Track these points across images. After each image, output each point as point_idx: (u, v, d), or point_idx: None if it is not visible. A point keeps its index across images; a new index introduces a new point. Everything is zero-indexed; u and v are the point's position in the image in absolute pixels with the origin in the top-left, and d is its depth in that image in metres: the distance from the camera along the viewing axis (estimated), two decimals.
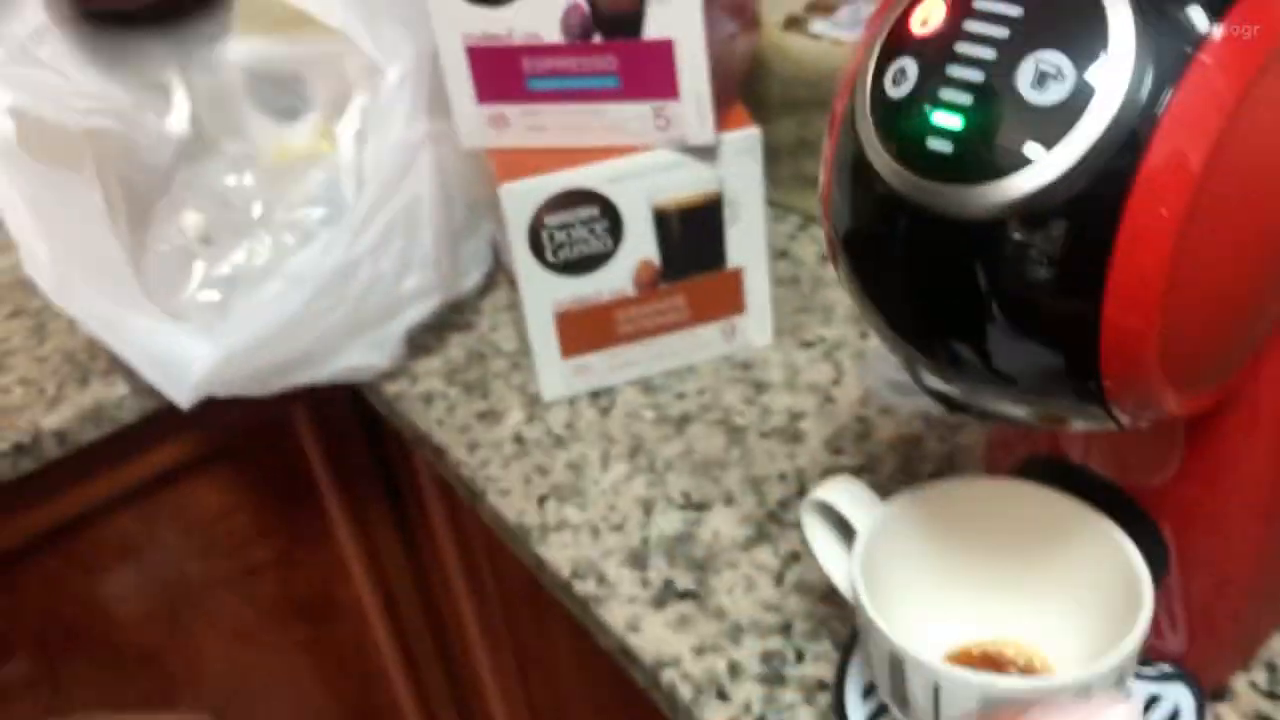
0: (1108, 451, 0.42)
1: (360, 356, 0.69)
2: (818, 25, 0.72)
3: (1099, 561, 0.41)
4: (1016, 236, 0.29)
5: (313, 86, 0.83)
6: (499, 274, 0.79)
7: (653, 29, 0.57)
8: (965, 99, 0.29)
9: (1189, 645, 0.45)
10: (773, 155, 0.67)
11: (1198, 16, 0.28)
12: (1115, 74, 0.28)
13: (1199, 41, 0.28)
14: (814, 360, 0.67)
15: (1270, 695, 0.46)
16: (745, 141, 0.62)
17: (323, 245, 0.66)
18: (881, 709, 0.45)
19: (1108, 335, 0.30)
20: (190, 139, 0.80)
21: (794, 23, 0.73)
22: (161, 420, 0.77)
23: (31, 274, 0.69)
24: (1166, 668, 0.45)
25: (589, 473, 0.62)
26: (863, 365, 0.66)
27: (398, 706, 1.05)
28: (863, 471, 0.59)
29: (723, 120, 0.61)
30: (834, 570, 0.45)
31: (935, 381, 0.34)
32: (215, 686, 0.92)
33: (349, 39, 0.69)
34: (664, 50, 0.57)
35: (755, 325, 0.68)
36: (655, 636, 0.53)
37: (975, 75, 0.28)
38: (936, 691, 0.38)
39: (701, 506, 0.59)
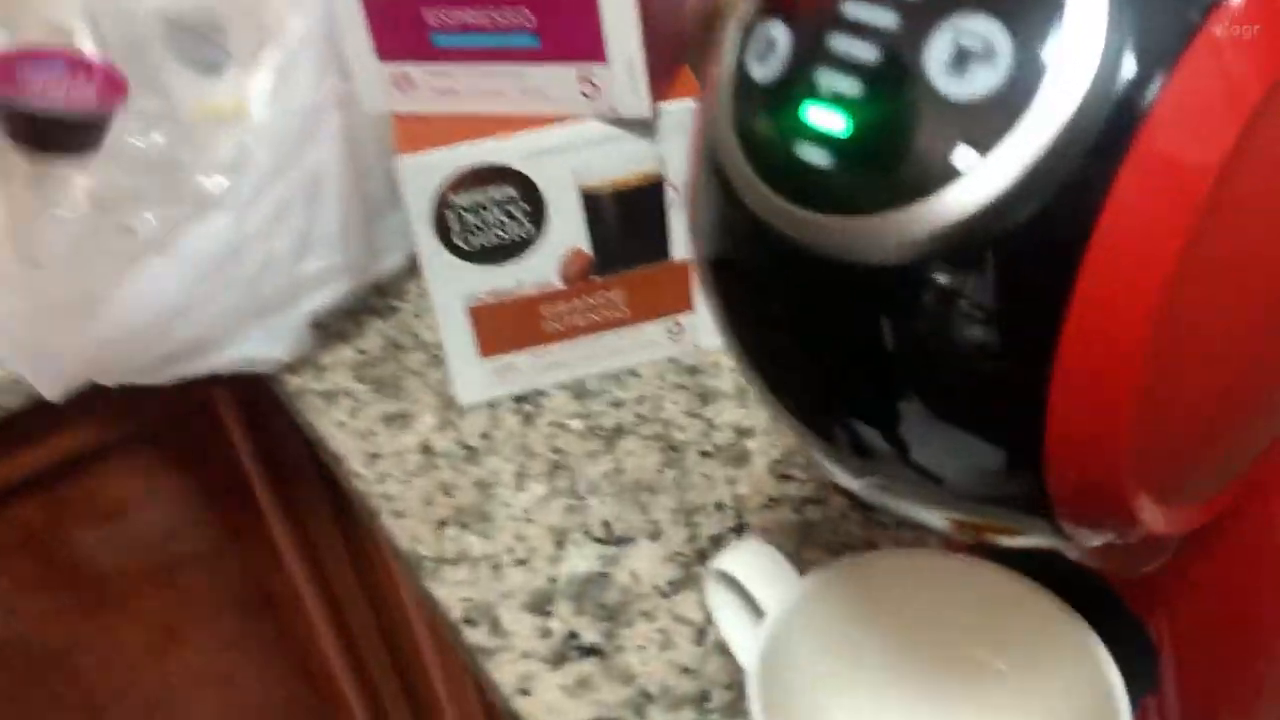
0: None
1: (256, 347, 0.61)
2: None
3: (1067, 672, 0.32)
4: (932, 285, 0.21)
5: (234, 38, 0.74)
6: None
7: None
8: (853, 86, 0.19)
9: None
10: None
11: None
12: (1076, 50, 0.19)
13: (1209, 6, 0.19)
14: None
15: None
16: (685, 112, 0.52)
17: (208, 221, 0.57)
18: None
19: (1057, 418, 0.21)
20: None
21: None
22: (65, 405, 0.69)
23: None
24: None
25: (499, 494, 0.54)
26: None
27: (343, 700, 0.98)
28: (809, 504, 0.51)
29: (666, 88, 0.52)
30: (741, 652, 0.37)
31: (838, 472, 0.25)
32: (140, 690, 0.85)
33: None
34: (587, 4, 0.48)
35: (705, 325, 0.59)
36: (547, 702, 0.45)
37: (867, 51, 0.19)
38: None
39: (622, 541, 0.51)
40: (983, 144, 0.19)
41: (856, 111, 0.20)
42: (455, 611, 0.49)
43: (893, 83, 0.19)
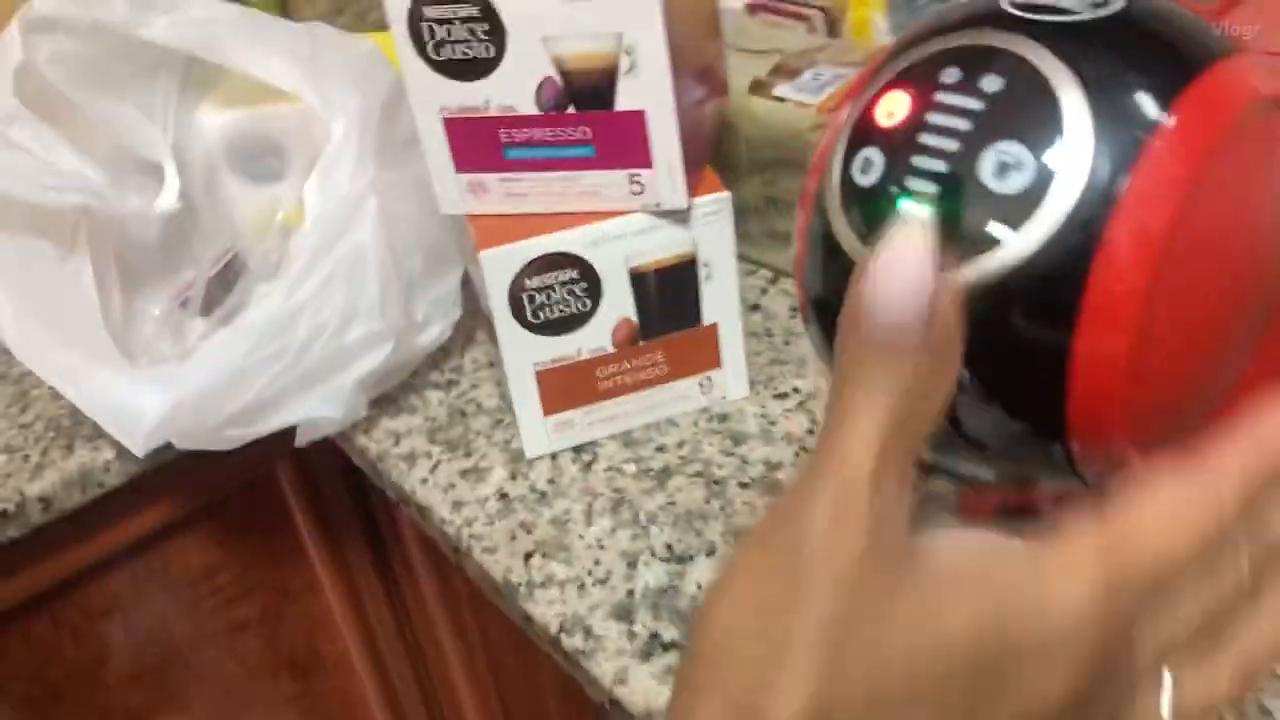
0: (1081, 500, 0.44)
1: (314, 408, 0.69)
2: (781, 88, 0.74)
3: None
4: (985, 313, 0.31)
5: (290, 152, 0.85)
6: (478, 330, 0.80)
7: (624, 101, 0.59)
8: (930, 187, 0.31)
9: None
10: (742, 213, 0.69)
11: (1148, 105, 0.30)
12: (1073, 161, 0.30)
13: (1150, 128, 0.31)
14: (789, 411, 0.69)
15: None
16: (716, 205, 0.64)
17: (265, 295, 0.67)
18: None
19: (1075, 404, 0.32)
20: (179, 211, 0.81)
21: (759, 86, 0.76)
22: (147, 483, 0.78)
23: None
24: None
25: (573, 528, 0.64)
26: None
27: None
28: None
29: (695, 185, 0.64)
30: None
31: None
32: None
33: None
34: (636, 120, 0.60)
35: (731, 379, 0.70)
36: (643, 688, 0.54)
37: (939, 165, 0.31)
38: None
39: (684, 559, 0.61)
40: (1015, 223, 0.31)
41: (934, 203, 0.31)
42: (552, 626, 0.58)
43: (956, 184, 0.31)
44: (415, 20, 0.58)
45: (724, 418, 0.70)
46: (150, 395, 0.68)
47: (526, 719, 0.93)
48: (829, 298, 0.34)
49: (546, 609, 0.59)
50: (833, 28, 0.88)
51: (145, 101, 0.81)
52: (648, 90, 0.58)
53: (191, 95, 0.83)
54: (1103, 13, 0.32)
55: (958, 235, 0.31)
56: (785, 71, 0.75)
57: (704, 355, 0.68)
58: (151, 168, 0.83)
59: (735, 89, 0.76)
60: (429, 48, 0.59)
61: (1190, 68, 0.31)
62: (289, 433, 0.72)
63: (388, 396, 0.75)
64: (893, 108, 0.32)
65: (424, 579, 0.94)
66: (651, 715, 0.53)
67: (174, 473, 0.80)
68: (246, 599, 0.89)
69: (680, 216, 0.63)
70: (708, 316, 0.67)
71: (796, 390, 0.71)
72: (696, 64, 0.65)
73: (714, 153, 0.69)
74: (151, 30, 0.75)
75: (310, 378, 0.68)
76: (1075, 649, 0.26)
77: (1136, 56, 0.31)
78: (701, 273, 0.65)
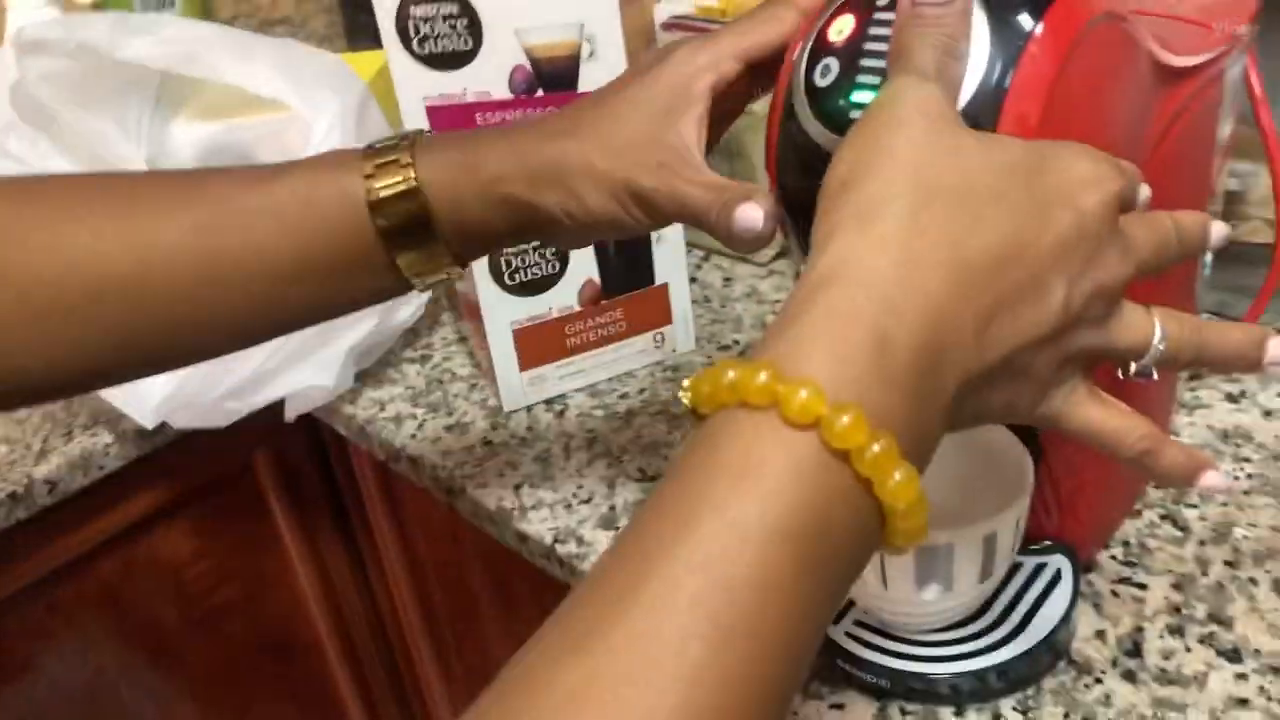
0: None
1: (308, 377, 0.77)
2: None
3: (993, 452, 0.53)
4: None
5: (262, 160, 0.92)
6: (442, 314, 0.88)
7: (586, 83, 0.69)
8: (875, 80, 0.41)
9: (1061, 529, 0.57)
10: None
11: (1025, 20, 0.41)
12: (977, 60, 0.41)
13: (1028, 35, 0.41)
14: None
15: (1127, 564, 0.59)
16: None
17: None
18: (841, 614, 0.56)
19: None
20: None
21: None
22: (141, 469, 0.84)
23: None
24: (1048, 543, 0.57)
25: (555, 462, 0.72)
26: None
27: None
28: None
29: None
30: None
31: None
32: None
33: (284, 107, 0.79)
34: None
35: (680, 334, 0.79)
36: None
37: (880, 63, 0.41)
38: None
39: (655, 477, 0.70)
40: None
41: (876, 91, 0.41)
42: (547, 538, 0.67)
43: None
44: (403, 18, 0.67)
45: (676, 368, 0.79)
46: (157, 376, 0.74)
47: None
48: (798, 181, 0.44)
49: (540, 526, 0.67)
50: None
51: (121, 116, 0.88)
52: (606, 73, 0.68)
53: (165, 110, 0.90)
54: None
55: None
56: None
57: (657, 313, 0.78)
58: None
59: None
60: (414, 43, 0.68)
61: None
62: (269, 423, 0.78)
63: (368, 373, 0.83)
64: (842, 27, 0.43)
65: (393, 565, 1.00)
66: None
67: (162, 461, 0.85)
68: (228, 584, 0.95)
69: None
70: (659, 276, 0.77)
71: (736, 342, 0.81)
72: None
73: None
74: (132, 50, 0.83)
75: (304, 349, 0.76)
76: (1097, 189, 0.37)
77: None
78: (653, 236, 0.75)
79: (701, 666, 0.29)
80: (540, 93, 0.69)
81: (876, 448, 0.32)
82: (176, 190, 0.49)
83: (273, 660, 0.99)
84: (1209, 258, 0.67)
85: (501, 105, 0.70)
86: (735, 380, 0.33)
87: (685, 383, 0.35)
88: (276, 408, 0.79)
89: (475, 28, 0.67)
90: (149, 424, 0.75)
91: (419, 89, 0.70)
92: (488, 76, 0.69)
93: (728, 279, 0.89)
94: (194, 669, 0.94)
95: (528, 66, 0.68)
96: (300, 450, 0.94)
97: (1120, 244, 0.38)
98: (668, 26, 1.03)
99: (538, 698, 0.29)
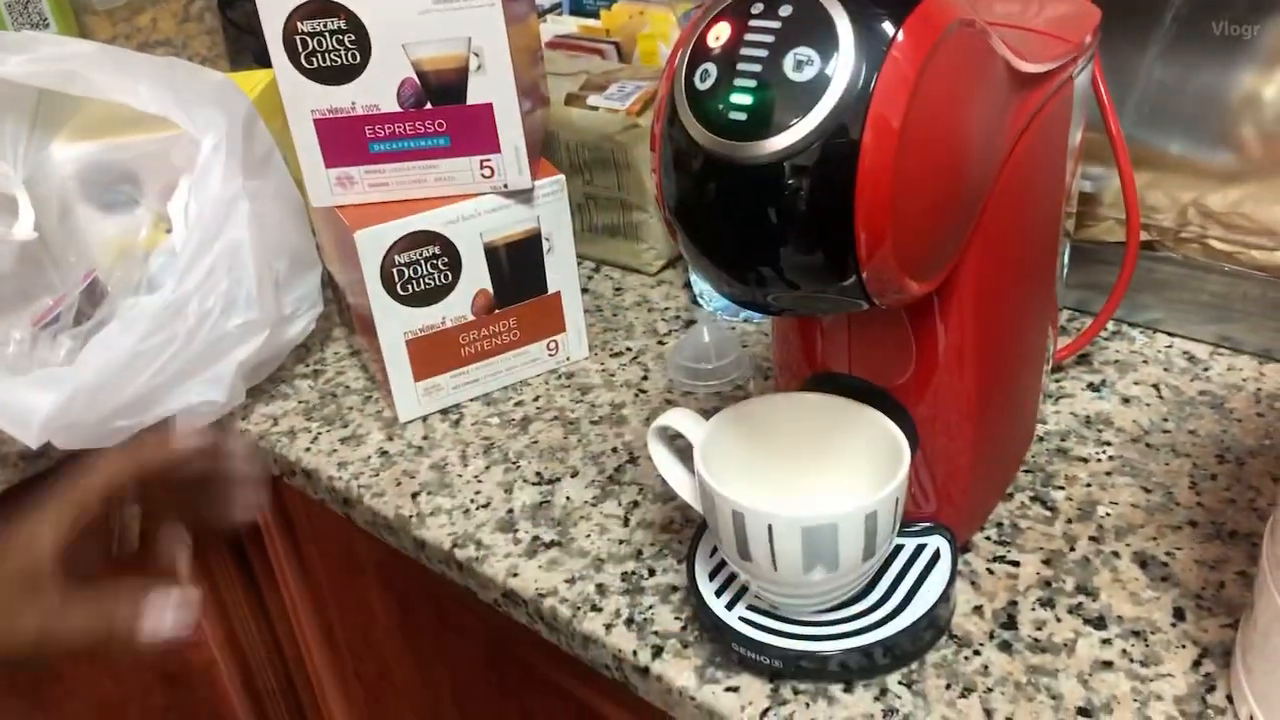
0: (865, 360, 0.58)
1: (199, 393, 0.76)
2: (593, 99, 0.88)
3: (872, 441, 0.56)
4: (790, 176, 0.44)
5: (145, 180, 0.91)
6: (334, 329, 0.89)
7: (474, 96, 0.71)
8: (751, 83, 0.43)
9: (939, 511, 0.61)
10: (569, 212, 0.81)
11: (887, 27, 0.44)
12: (844, 65, 0.43)
13: (890, 41, 0.44)
14: (624, 365, 0.81)
15: (1000, 543, 0.62)
16: (554, 185, 0.76)
17: (130, 309, 0.73)
18: (725, 585, 0.58)
19: (860, 243, 0.45)
20: (34, 240, 0.86)
21: (573, 99, 0.88)
22: (24, 493, 0.82)
23: None
24: (927, 524, 0.60)
25: (452, 470, 0.73)
26: (665, 363, 0.81)
27: None
28: (677, 438, 0.73)
29: (534, 173, 0.75)
30: (674, 479, 0.58)
31: (744, 293, 0.48)
32: None
33: (168, 125, 0.78)
34: (485, 111, 0.71)
35: (574, 341, 0.81)
36: (532, 577, 0.64)
37: (755, 68, 0.43)
38: (770, 532, 0.51)
39: (552, 480, 0.71)
40: (806, 108, 0.44)
41: (753, 94, 0.43)
42: (445, 543, 0.67)
43: (767, 81, 0.43)
44: (290, 34, 0.68)
45: (570, 375, 0.81)
46: (43, 391, 0.73)
47: (390, 706, 0.99)
48: (682, 180, 0.47)
49: (438, 532, 0.68)
50: (623, 57, 1.02)
51: None
52: (494, 85, 0.70)
53: (42, 131, 0.88)
54: None
55: (771, 115, 0.44)
56: (594, 86, 0.89)
57: (550, 321, 0.80)
58: (6, 200, 0.87)
59: (553, 103, 0.88)
60: (301, 58, 0.69)
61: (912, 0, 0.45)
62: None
63: (260, 388, 0.82)
64: (719, 34, 0.45)
65: (289, 585, 0.99)
66: (542, 596, 0.62)
67: (43, 485, 0.83)
68: None
69: (525, 196, 0.75)
70: (552, 285, 0.78)
71: (628, 349, 0.83)
72: (526, 81, 0.77)
73: (542, 151, 0.81)
74: (7, 68, 0.81)
75: (195, 364, 0.75)
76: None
77: None
78: (545, 246, 0.77)
79: None
80: (429, 105, 0.71)
81: None
82: None
83: (164, 690, 0.97)
84: (1066, 258, 0.71)
85: (390, 118, 0.71)
86: None
87: None
88: (162, 426, 0.78)
89: (363, 42, 0.68)
90: (33, 444, 0.73)
91: (307, 103, 0.70)
92: (376, 90, 0.70)
93: (619, 289, 0.91)
94: (80, 701, 0.92)
95: (416, 80, 0.70)
96: None
97: None
98: (553, 45, 1.05)
99: None
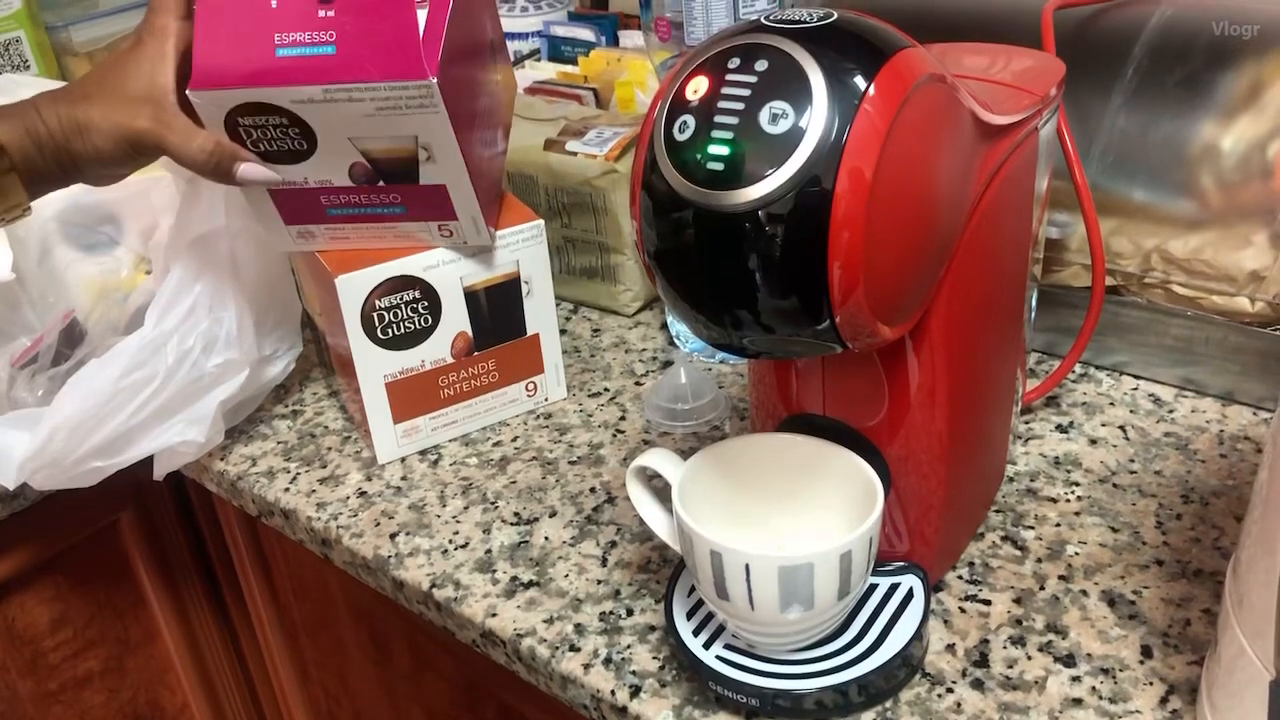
0: (839, 401, 0.59)
1: (178, 433, 0.76)
2: (572, 144, 0.89)
3: (847, 481, 0.57)
4: (765, 224, 0.45)
5: (125, 222, 0.92)
6: (314, 370, 0.89)
7: (426, 179, 0.69)
8: (728, 135, 0.45)
9: (912, 550, 0.62)
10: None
11: (860, 80, 0.46)
12: (817, 118, 0.45)
13: (861, 95, 0.46)
14: (602, 405, 0.82)
15: (972, 582, 0.63)
16: (533, 230, 0.77)
17: (109, 347, 0.74)
18: (702, 624, 0.59)
19: (833, 289, 0.46)
20: (12, 283, 0.86)
21: (552, 144, 0.90)
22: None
23: None
24: (900, 563, 0.61)
25: (430, 510, 0.73)
26: (642, 404, 0.82)
27: None
28: (655, 478, 0.74)
29: (515, 217, 0.76)
30: (653, 519, 0.59)
31: (721, 337, 0.49)
32: None
33: (151, 165, 0.79)
34: (439, 191, 0.70)
35: (552, 382, 0.82)
36: (511, 617, 0.64)
37: (733, 120, 0.45)
38: (748, 572, 0.52)
39: (530, 521, 0.72)
40: (780, 159, 0.45)
41: (731, 145, 0.45)
42: (424, 584, 0.68)
43: (744, 132, 0.45)
44: (232, 127, 0.66)
45: (549, 415, 0.82)
46: (20, 431, 0.73)
47: None
48: (661, 227, 0.48)
49: (417, 572, 0.68)
50: (601, 103, 1.04)
51: None
52: (445, 170, 0.68)
53: None
54: (825, 22, 0.47)
55: (747, 166, 0.45)
56: (572, 132, 0.90)
57: (529, 362, 0.80)
58: None
59: (531, 148, 0.90)
60: (248, 144, 0.66)
61: (882, 55, 0.46)
62: (133, 483, 0.77)
63: (239, 429, 0.83)
64: (697, 87, 0.46)
65: (264, 625, 0.99)
66: (520, 636, 0.63)
67: (19, 526, 0.83)
68: (90, 652, 0.92)
69: (504, 241, 0.76)
70: (530, 327, 0.79)
71: (606, 389, 0.84)
72: (486, 125, 0.75)
73: (518, 194, 0.82)
74: None
75: (174, 404, 0.76)
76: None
77: (851, 48, 0.47)
78: (524, 289, 0.78)
79: None
80: (381, 182, 0.70)
81: None
82: None
83: None
84: (1034, 302, 0.73)
85: (345, 190, 0.70)
86: None
87: None
88: (139, 467, 0.78)
89: (308, 134, 0.66)
90: (10, 485, 0.73)
91: None
92: (327, 169, 0.68)
93: (596, 330, 0.92)
94: None
95: (366, 164, 0.68)
96: (166, 510, 0.92)
97: None
98: (532, 90, 1.07)
99: None
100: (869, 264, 0.46)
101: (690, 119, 0.46)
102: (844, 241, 0.45)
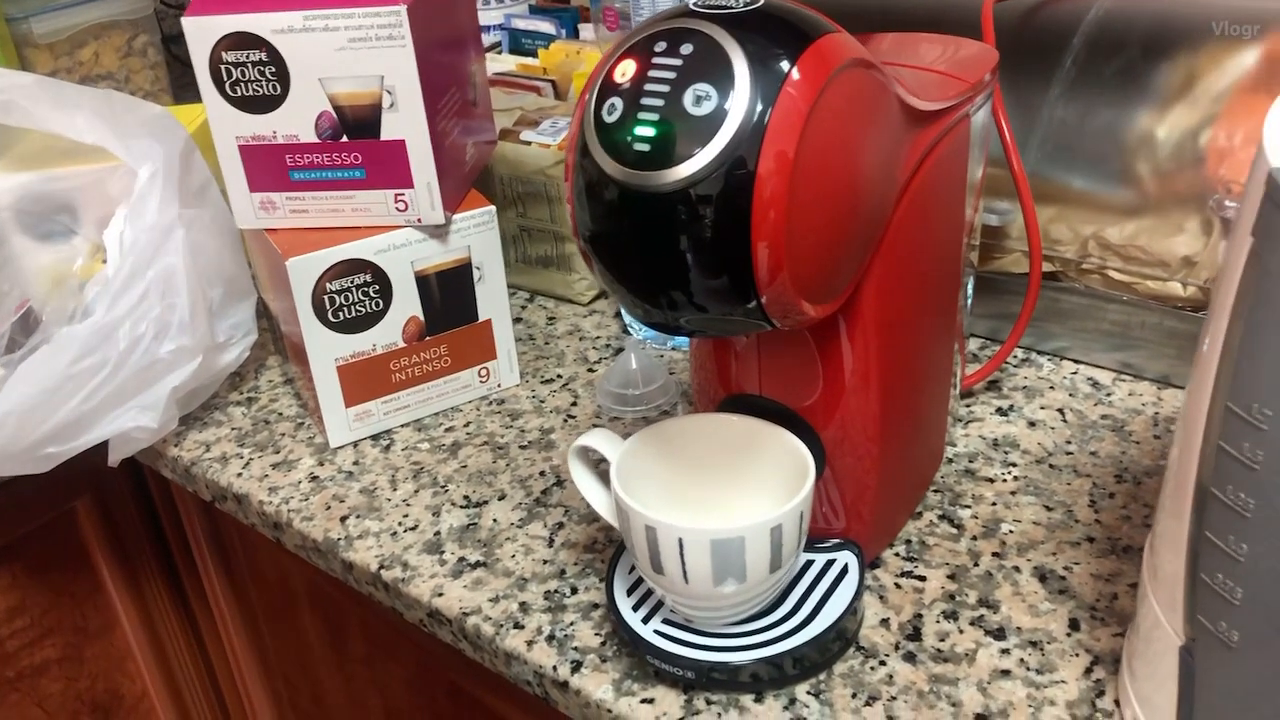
0: (775, 382, 0.60)
1: (132, 419, 0.76)
2: (526, 134, 0.90)
3: (781, 459, 0.58)
4: (692, 204, 0.47)
5: (82, 211, 0.92)
6: (269, 357, 0.90)
7: (388, 132, 0.72)
8: (654, 117, 0.46)
9: (848, 528, 0.63)
10: (501, 243, 0.83)
11: (783, 64, 0.47)
12: (740, 100, 0.46)
13: (784, 78, 0.47)
14: (555, 391, 0.83)
15: (909, 559, 0.65)
16: (484, 216, 0.78)
17: (65, 334, 0.74)
18: (642, 600, 0.60)
19: (758, 268, 0.48)
20: None
21: (508, 134, 0.91)
22: None
23: None
24: (837, 540, 0.62)
25: (381, 494, 0.74)
26: (593, 390, 0.83)
27: None
28: (601, 462, 0.75)
29: (467, 203, 0.77)
30: (594, 498, 0.60)
31: (656, 316, 0.51)
32: None
33: (106, 156, 0.80)
34: (398, 148, 0.73)
35: (505, 368, 0.83)
36: (457, 596, 0.65)
37: (658, 102, 0.46)
38: (681, 546, 0.53)
39: (480, 504, 0.73)
40: (705, 139, 0.46)
41: (656, 126, 0.46)
42: (372, 565, 0.69)
43: (669, 113, 0.46)
44: (215, 63, 0.70)
45: (501, 401, 0.83)
46: None
47: None
48: (593, 207, 0.49)
49: (366, 554, 0.69)
50: (559, 94, 1.05)
51: None
52: (407, 122, 0.71)
53: None
54: (751, 8, 0.48)
55: (673, 147, 0.46)
56: (527, 122, 0.91)
57: (481, 348, 0.81)
58: None
59: None
60: (226, 86, 0.71)
61: (806, 39, 0.48)
62: (89, 469, 0.78)
63: (194, 416, 0.84)
64: (625, 70, 0.47)
65: (222, 611, 1.00)
66: (465, 615, 0.64)
67: None
68: (47, 640, 0.92)
69: (456, 226, 0.77)
70: (483, 313, 0.80)
71: (559, 376, 0.85)
72: (457, 119, 0.78)
73: (472, 186, 0.83)
74: None
75: (127, 390, 0.76)
76: None
77: (776, 32, 0.48)
78: (475, 275, 0.79)
79: None
80: (345, 139, 0.72)
81: None
82: None
83: (99, 717, 0.97)
84: (970, 288, 0.74)
85: (308, 148, 0.73)
86: None
87: None
88: (96, 453, 0.78)
89: (282, 74, 0.70)
90: None
91: (232, 130, 0.72)
92: (295, 121, 0.72)
93: (552, 318, 0.93)
94: None
95: (333, 113, 0.71)
96: (124, 497, 0.93)
97: None
98: (492, 82, 1.08)
99: None
100: (793, 243, 0.47)
101: (618, 100, 0.47)
102: (769, 221, 0.47)
